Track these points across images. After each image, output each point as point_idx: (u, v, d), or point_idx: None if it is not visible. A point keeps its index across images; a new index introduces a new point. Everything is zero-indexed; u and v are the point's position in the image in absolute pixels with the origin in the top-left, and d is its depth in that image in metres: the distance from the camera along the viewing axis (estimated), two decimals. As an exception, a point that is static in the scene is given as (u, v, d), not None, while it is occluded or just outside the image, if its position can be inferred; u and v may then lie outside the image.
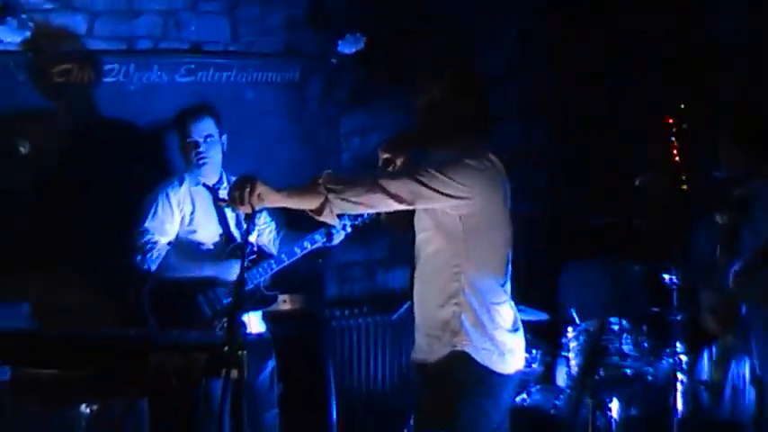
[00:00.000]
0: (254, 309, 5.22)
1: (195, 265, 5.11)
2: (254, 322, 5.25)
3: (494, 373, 3.79)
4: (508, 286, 3.94)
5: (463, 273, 3.78)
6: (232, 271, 5.03)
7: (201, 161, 5.14)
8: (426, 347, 3.89)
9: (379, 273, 6.72)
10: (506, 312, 3.89)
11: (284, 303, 5.76)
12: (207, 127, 5.14)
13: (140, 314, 5.08)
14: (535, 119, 7.03)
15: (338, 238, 5.20)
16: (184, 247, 5.17)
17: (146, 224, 5.10)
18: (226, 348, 3.83)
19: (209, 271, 5.09)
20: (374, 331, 6.52)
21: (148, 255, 5.06)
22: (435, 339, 3.83)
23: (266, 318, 5.39)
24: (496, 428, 3.87)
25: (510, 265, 3.93)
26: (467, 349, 3.77)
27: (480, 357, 3.77)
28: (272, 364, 5.31)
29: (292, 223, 5.34)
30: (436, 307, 3.83)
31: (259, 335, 5.23)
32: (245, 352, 3.83)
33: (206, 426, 4.94)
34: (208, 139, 5.14)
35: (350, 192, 3.60)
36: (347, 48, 6.18)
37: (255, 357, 5.16)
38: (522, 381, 5.74)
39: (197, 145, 5.12)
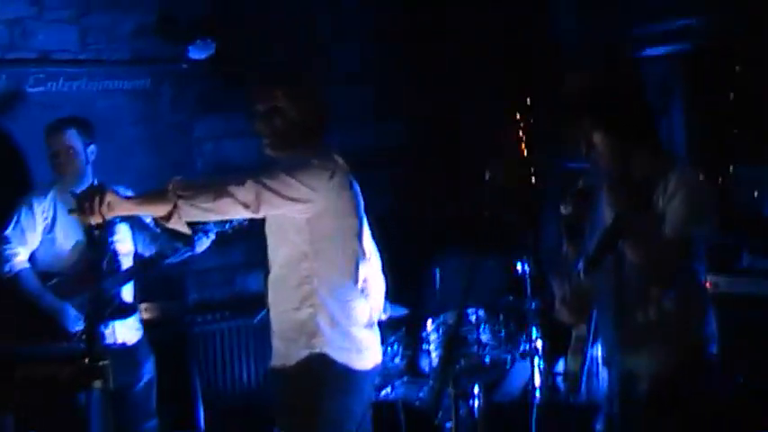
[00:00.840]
0: (114, 319, 5.17)
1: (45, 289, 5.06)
2: (123, 332, 5.19)
3: (353, 370, 3.85)
4: (360, 281, 4.00)
5: (315, 275, 3.82)
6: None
7: (59, 171, 5.11)
8: (284, 351, 3.92)
9: (237, 277, 6.73)
10: (362, 309, 3.96)
11: (145, 312, 5.71)
12: (66, 138, 5.09)
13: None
14: (391, 118, 7.12)
15: (201, 246, 5.20)
16: (46, 254, 5.11)
17: (6, 233, 5.07)
18: (86, 360, 3.82)
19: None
20: (237, 335, 6.52)
21: (4, 265, 5.00)
22: (292, 342, 3.86)
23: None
24: (359, 424, 3.93)
25: (362, 260, 3.99)
26: (325, 350, 3.82)
27: (339, 356, 3.83)
28: (148, 373, 5.27)
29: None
30: (291, 310, 3.86)
31: (123, 345, 5.16)
32: (107, 362, 3.81)
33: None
34: (70, 151, 5.10)
35: (199, 198, 3.57)
36: (197, 53, 6.16)
37: (128, 367, 5.13)
38: (385, 375, 5.87)
39: (55, 155, 5.09)
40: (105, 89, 6.01)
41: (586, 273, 3.52)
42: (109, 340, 5.05)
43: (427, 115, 7.17)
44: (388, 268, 6.15)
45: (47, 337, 4.95)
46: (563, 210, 3.57)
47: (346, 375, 3.84)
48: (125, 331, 5.19)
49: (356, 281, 3.95)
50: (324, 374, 3.82)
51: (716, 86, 5.95)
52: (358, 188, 4.01)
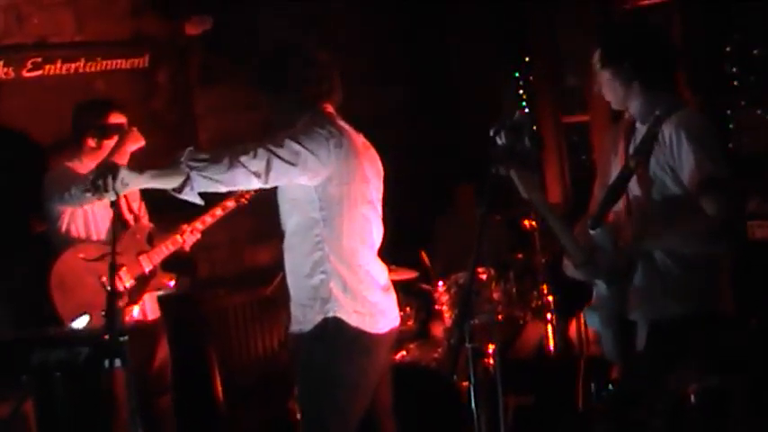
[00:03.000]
0: (153, 290, 5.21)
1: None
2: (142, 308, 5.22)
3: (368, 334, 3.88)
4: (376, 245, 4.04)
5: (325, 241, 3.85)
6: None
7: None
8: (301, 317, 3.95)
9: (246, 251, 6.75)
10: (376, 273, 3.99)
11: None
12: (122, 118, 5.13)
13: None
14: (389, 81, 7.12)
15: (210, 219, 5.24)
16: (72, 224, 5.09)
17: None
18: (107, 337, 3.84)
19: None
20: (249, 309, 6.56)
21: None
22: (309, 308, 3.90)
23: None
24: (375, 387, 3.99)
25: (376, 224, 4.03)
26: (339, 314, 3.85)
27: (353, 321, 3.86)
28: (164, 348, 5.29)
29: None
30: (304, 277, 3.90)
31: (141, 321, 5.18)
32: (126, 339, 3.84)
33: (96, 417, 4.95)
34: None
35: (211, 169, 3.59)
36: (194, 29, 6.16)
37: (146, 343, 5.15)
38: (399, 338, 5.90)
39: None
40: (104, 70, 5.99)
41: (593, 228, 3.54)
42: (128, 317, 5.08)
43: (425, 77, 7.17)
44: (393, 229, 6.20)
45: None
46: (498, 140, 3.56)
47: (361, 339, 3.86)
48: (144, 307, 5.21)
49: (370, 246, 3.98)
50: (338, 338, 3.85)
51: (714, 32, 5.94)
52: (374, 153, 4.06)
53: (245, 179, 3.65)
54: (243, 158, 3.61)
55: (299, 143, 3.70)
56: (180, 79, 6.34)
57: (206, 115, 6.52)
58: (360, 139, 4.00)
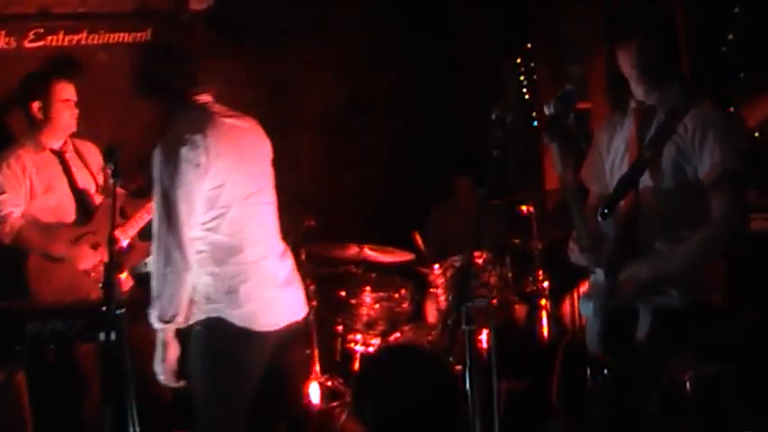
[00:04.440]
0: (136, 262, 5.23)
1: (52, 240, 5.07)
2: (124, 280, 5.21)
3: (253, 332, 3.87)
4: (268, 238, 4.02)
5: (206, 242, 3.84)
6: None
7: (68, 122, 5.15)
8: (193, 313, 3.92)
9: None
10: (269, 268, 3.98)
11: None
12: (72, 91, 5.12)
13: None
14: (390, 65, 7.11)
15: None
16: (39, 213, 5.11)
17: None
18: (104, 309, 3.85)
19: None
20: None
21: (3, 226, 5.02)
22: (195, 304, 3.88)
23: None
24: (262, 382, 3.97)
25: (264, 216, 4.01)
26: (221, 315, 3.84)
27: (236, 320, 3.85)
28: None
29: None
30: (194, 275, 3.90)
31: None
32: (123, 311, 3.85)
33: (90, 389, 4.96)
34: (73, 103, 5.15)
35: (173, 298, 3.75)
36: (198, 4, 6.15)
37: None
38: (394, 321, 5.92)
39: (70, 106, 5.13)
40: (106, 42, 5.98)
41: (603, 216, 3.55)
42: (126, 288, 5.09)
43: (427, 61, 7.16)
44: (390, 212, 6.21)
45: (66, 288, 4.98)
46: (546, 110, 3.59)
47: (243, 337, 3.86)
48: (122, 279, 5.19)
49: (259, 240, 3.96)
50: (221, 336, 3.86)
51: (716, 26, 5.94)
52: (256, 136, 4.06)
53: (187, 254, 3.75)
54: (169, 266, 3.70)
55: (173, 200, 3.71)
56: (182, 54, 6.31)
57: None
58: (238, 126, 3.96)
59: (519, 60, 7.37)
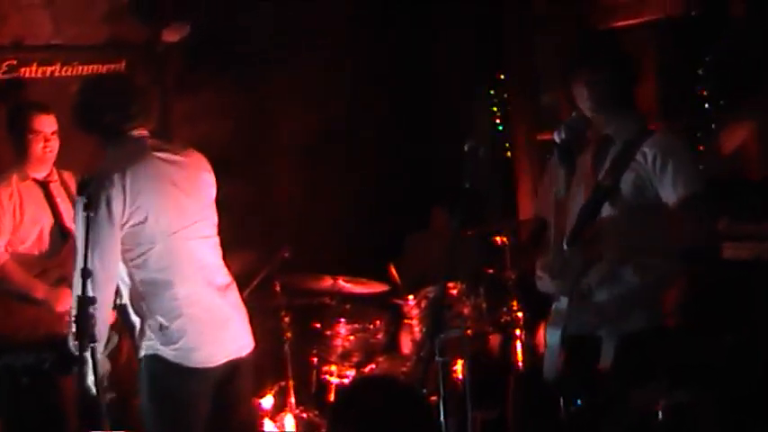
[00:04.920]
0: None
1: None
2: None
3: (189, 368, 3.86)
4: (205, 273, 3.97)
5: (138, 280, 3.86)
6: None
7: (49, 154, 5.10)
8: (138, 343, 3.94)
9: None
10: (207, 304, 3.95)
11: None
12: (53, 122, 5.10)
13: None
14: (361, 95, 7.13)
15: None
16: (21, 244, 5.08)
17: None
18: (75, 342, 3.82)
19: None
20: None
21: None
22: (138, 339, 3.91)
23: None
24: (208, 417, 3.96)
25: (200, 251, 3.96)
26: (157, 352, 3.85)
27: (171, 357, 3.85)
28: (128, 349, 5.23)
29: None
30: (132, 314, 3.92)
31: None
32: (96, 345, 3.82)
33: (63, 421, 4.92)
34: (56, 134, 5.11)
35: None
36: (172, 36, 6.17)
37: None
38: (369, 351, 5.91)
39: (46, 138, 5.08)
40: (80, 74, 5.97)
41: (569, 244, 3.60)
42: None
43: (401, 91, 7.19)
44: (365, 243, 6.19)
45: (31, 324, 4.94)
46: (556, 137, 3.67)
47: (180, 373, 3.85)
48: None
49: (193, 276, 3.92)
50: (158, 373, 3.87)
51: (688, 54, 6.00)
52: (196, 170, 4.04)
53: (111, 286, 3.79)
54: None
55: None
56: (156, 86, 6.33)
57: (182, 123, 6.50)
58: (171, 160, 3.95)
59: (492, 92, 7.40)
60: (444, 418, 3.59)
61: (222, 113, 6.32)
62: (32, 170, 5.13)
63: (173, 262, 3.86)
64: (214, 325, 3.94)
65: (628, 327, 3.62)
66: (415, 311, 5.81)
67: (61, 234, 5.13)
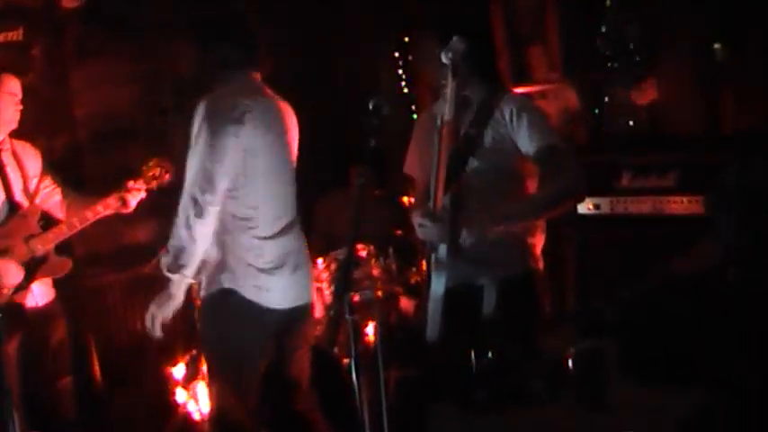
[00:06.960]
0: (45, 276, 5.08)
1: None
2: (43, 291, 5.09)
3: (260, 306, 4.09)
4: (285, 219, 4.19)
5: (228, 214, 4.03)
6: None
7: (15, 119, 5.03)
8: (205, 284, 4.15)
9: (126, 229, 6.62)
10: (278, 248, 4.16)
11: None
12: (18, 86, 5.05)
13: None
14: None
15: (133, 202, 5.12)
16: None
17: None
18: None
19: None
20: (127, 287, 6.46)
21: None
22: (211, 276, 4.10)
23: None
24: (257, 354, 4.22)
25: (289, 201, 4.24)
26: (231, 286, 4.06)
27: (245, 292, 4.06)
28: (60, 331, 5.16)
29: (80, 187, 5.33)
30: (210, 248, 4.06)
31: (35, 305, 5.03)
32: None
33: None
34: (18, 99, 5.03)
35: (184, 252, 3.94)
36: (70, 2, 6.06)
37: (41, 326, 5.05)
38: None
39: (16, 103, 5.01)
40: (-23, 44, 5.84)
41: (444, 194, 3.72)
42: (26, 301, 4.97)
43: (299, 50, 7.16)
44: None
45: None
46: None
47: (248, 309, 4.08)
48: (39, 291, 5.07)
49: (274, 220, 4.14)
50: (228, 306, 4.09)
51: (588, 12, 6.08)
52: (293, 119, 4.24)
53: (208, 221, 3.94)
54: (184, 220, 3.90)
55: (209, 162, 3.89)
56: (56, 53, 6.22)
57: (83, 90, 6.39)
58: (281, 108, 4.20)
59: (397, 54, 7.41)
60: (357, 379, 3.60)
61: (125, 79, 6.23)
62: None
63: (262, 202, 4.07)
64: (289, 269, 4.17)
65: (503, 272, 3.88)
66: (324, 274, 5.80)
67: (9, 206, 5.00)
